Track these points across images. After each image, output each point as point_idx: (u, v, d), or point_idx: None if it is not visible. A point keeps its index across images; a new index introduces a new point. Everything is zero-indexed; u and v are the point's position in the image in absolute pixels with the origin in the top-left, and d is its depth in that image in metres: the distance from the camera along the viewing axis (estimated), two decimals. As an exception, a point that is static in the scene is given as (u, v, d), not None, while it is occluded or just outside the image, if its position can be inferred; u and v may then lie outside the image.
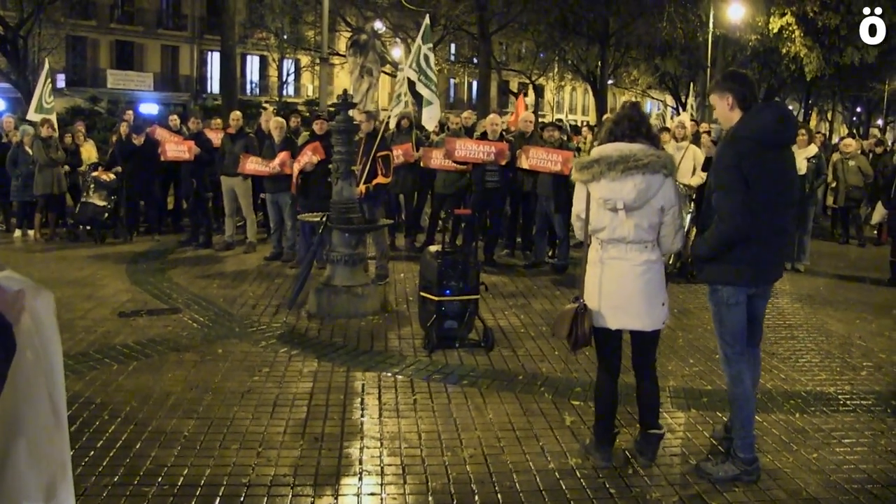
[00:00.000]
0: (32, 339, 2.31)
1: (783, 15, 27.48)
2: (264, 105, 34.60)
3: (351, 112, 8.33)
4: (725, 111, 4.50)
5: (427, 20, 10.86)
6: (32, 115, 14.16)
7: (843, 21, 27.35)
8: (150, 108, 36.93)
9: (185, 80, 44.84)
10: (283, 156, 10.64)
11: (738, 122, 4.42)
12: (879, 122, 62.08)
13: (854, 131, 59.13)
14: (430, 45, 9.97)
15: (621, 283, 4.41)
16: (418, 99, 11.37)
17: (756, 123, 4.35)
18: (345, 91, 8.18)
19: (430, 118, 10.23)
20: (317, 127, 10.40)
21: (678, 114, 45.65)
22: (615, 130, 4.43)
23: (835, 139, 56.05)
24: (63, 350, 6.98)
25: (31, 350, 2.30)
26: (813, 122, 59.82)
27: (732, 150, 4.35)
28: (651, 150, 4.32)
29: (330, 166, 8.29)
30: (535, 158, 10.32)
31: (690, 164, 10.37)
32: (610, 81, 41.10)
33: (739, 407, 4.63)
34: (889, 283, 10.54)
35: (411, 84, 10.24)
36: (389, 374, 6.30)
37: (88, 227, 12.67)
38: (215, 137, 12.65)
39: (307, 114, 31.27)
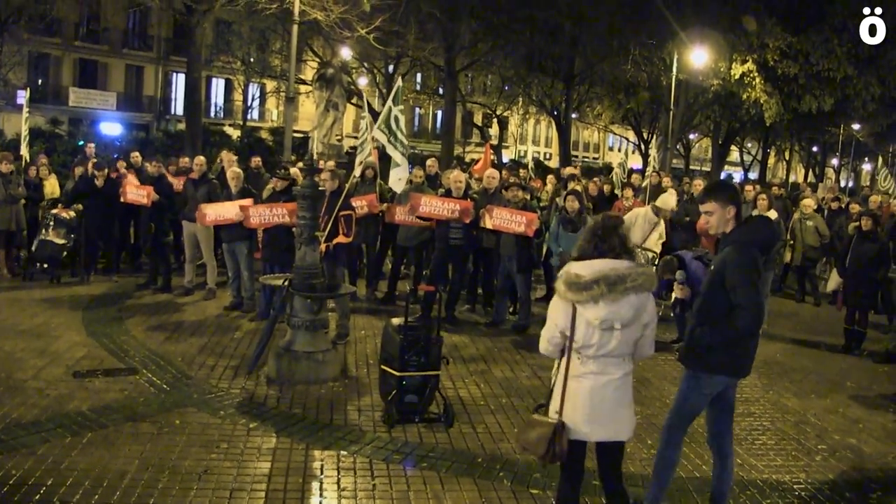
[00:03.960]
0: None
1: (745, 62, 28.21)
2: (227, 131, 34.45)
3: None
4: (724, 218, 4.98)
5: (399, 82, 10.92)
6: (24, 152, 14.73)
7: (802, 70, 28.14)
8: (112, 128, 36.46)
9: (149, 100, 44.50)
10: (241, 203, 10.61)
11: (738, 230, 4.93)
12: (834, 161, 63.62)
13: (811, 171, 60.64)
14: (402, 107, 9.98)
15: (602, 397, 4.31)
16: (384, 155, 11.38)
17: (758, 234, 4.95)
18: (311, 156, 8.14)
19: (399, 180, 10.25)
20: (277, 184, 10.54)
21: (639, 149, 46.26)
22: (601, 245, 4.33)
23: (792, 178, 57.40)
24: (14, 418, 6.78)
25: None
26: (771, 161, 61.10)
27: (748, 252, 4.80)
28: (640, 269, 4.29)
29: (294, 230, 8.25)
30: (499, 219, 10.36)
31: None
32: (574, 116, 41.53)
33: (663, 470, 5.15)
34: (843, 349, 10.75)
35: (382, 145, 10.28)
36: (348, 454, 6.25)
37: (45, 266, 12.40)
38: (176, 182, 12.54)
39: (271, 142, 31.27)
